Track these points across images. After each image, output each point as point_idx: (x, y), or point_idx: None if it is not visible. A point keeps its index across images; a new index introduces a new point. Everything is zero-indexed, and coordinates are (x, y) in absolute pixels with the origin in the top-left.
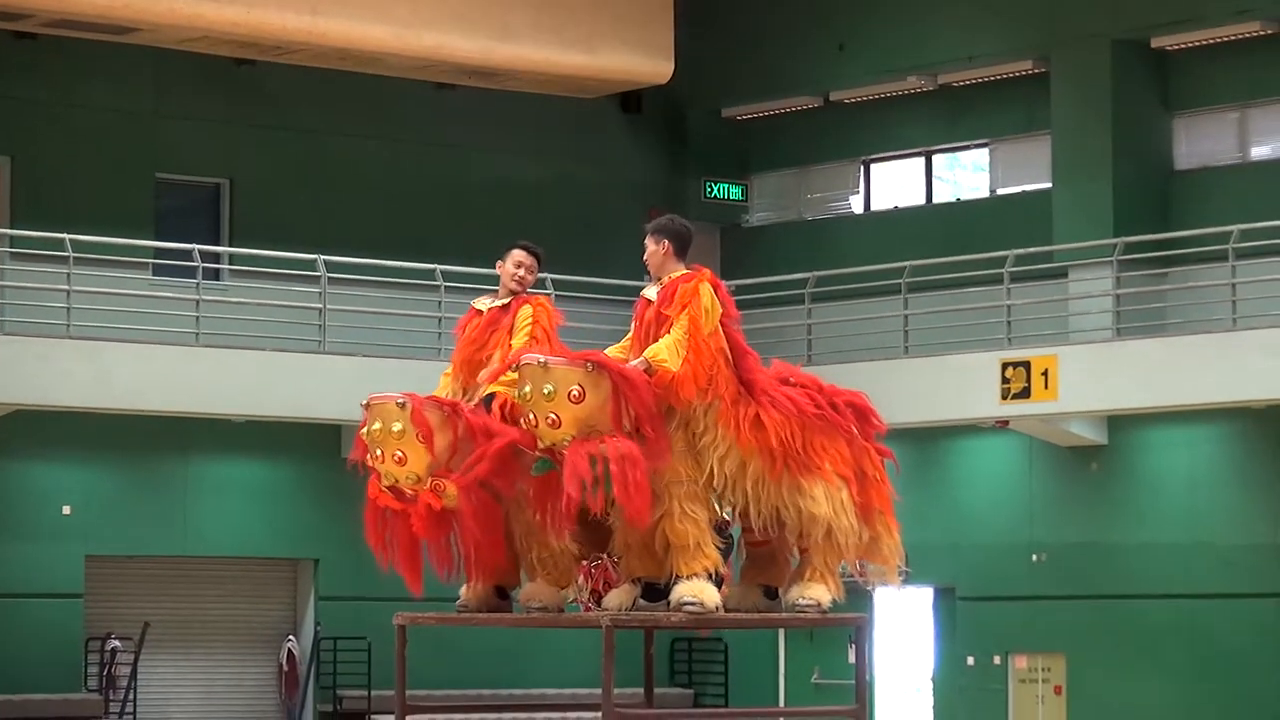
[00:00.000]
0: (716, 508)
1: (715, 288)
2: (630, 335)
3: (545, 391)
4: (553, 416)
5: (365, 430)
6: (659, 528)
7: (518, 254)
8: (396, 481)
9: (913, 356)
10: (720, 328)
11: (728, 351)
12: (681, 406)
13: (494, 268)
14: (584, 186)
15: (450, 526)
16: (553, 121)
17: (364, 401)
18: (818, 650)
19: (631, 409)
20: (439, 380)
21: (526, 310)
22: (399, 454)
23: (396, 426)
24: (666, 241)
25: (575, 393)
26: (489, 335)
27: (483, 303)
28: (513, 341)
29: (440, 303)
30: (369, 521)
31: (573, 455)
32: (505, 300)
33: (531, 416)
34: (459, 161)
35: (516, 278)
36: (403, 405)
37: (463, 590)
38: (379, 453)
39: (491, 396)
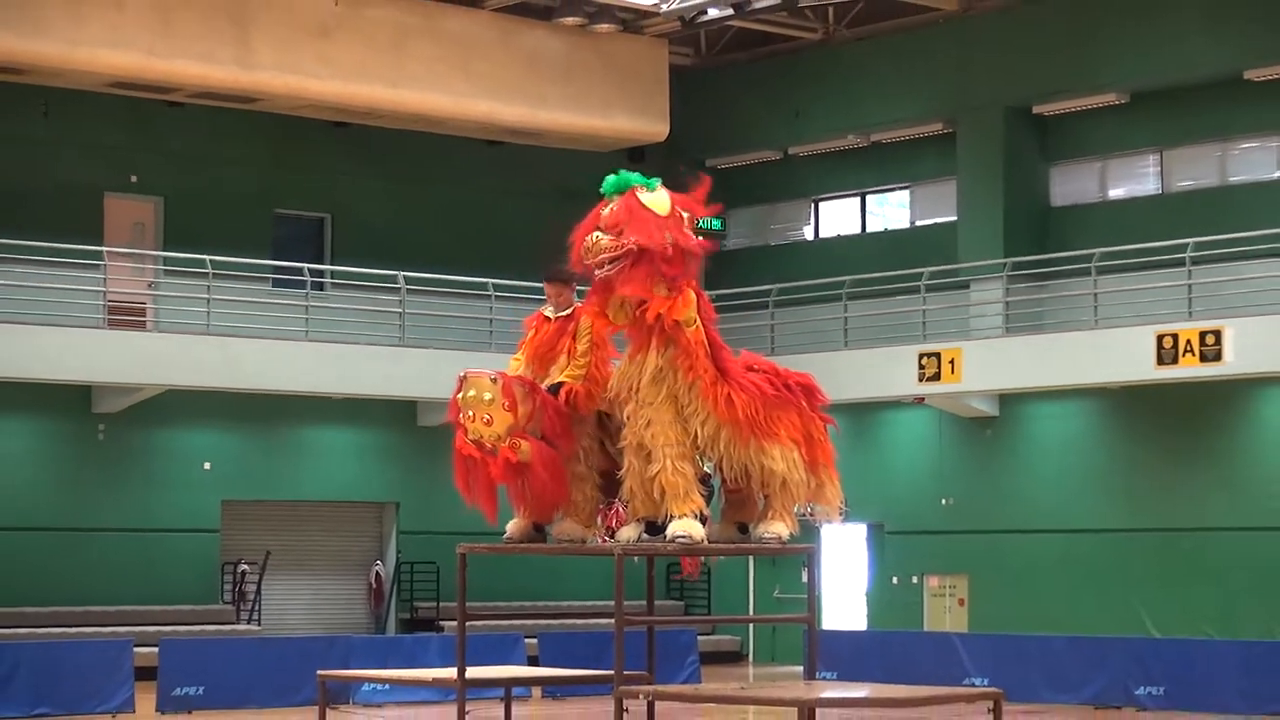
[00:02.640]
0: (700, 464)
1: (699, 296)
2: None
3: (487, 398)
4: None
5: (460, 395)
6: (655, 479)
7: (557, 284)
8: (481, 438)
9: (851, 349)
10: (702, 327)
11: (707, 345)
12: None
13: (531, 280)
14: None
15: (521, 475)
16: (575, 169)
17: (461, 374)
18: (779, 572)
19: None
20: (509, 364)
21: (586, 321)
22: (488, 417)
23: (488, 396)
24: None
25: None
26: (558, 340)
27: (549, 311)
28: (577, 346)
29: (491, 308)
30: (456, 467)
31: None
32: (568, 310)
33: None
34: (505, 199)
35: (562, 300)
36: (495, 380)
37: (509, 526)
38: (470, 414)
39: (559, 385)
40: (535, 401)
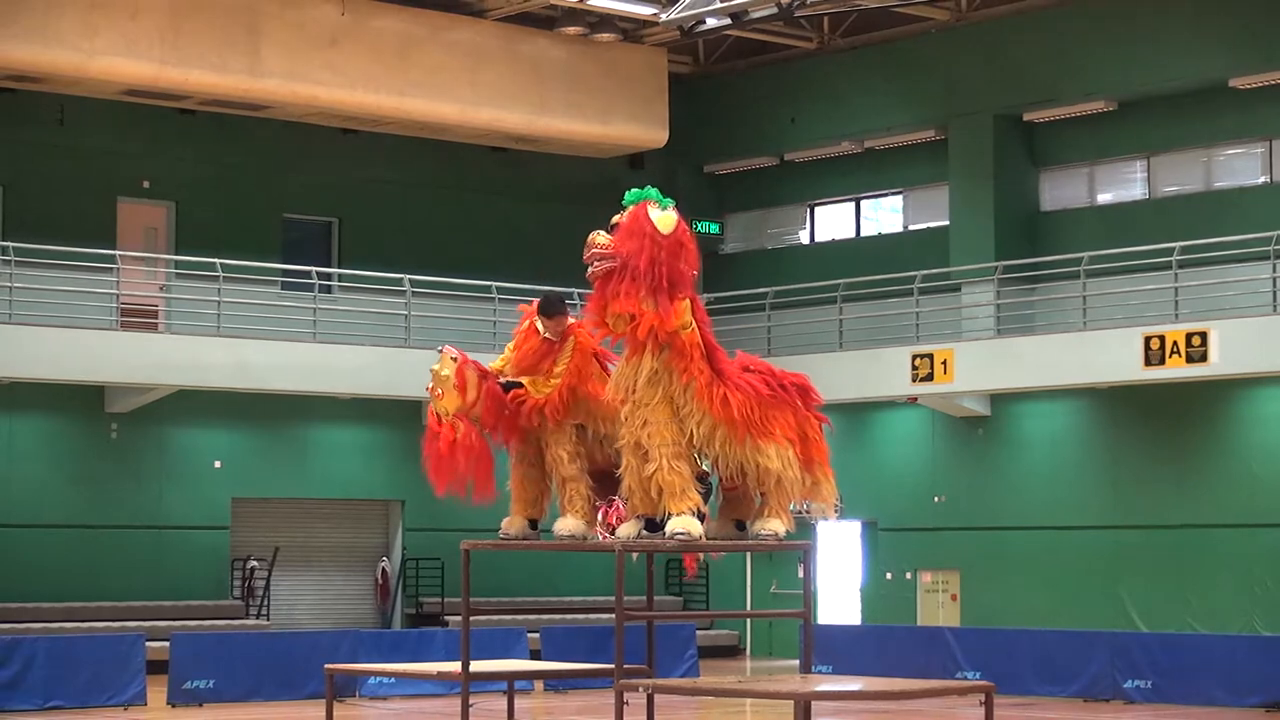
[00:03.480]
0: (697, 461)
1: (693, 301)
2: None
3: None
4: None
5: (431, 367)
6: (652, 478)
7: (557, 318)
8: (436, 411)
9: (846, 350)
10: (697, 330)
11: (703, 348)
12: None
13: (533, 283)
14: (599, 225)
15: (461, 455)
16: (576, 175)
17: (439, 348)
18: (776, 568)
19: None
20: (501, 357)
21: (572, 344)
22: (439, 392)
23: (445, 372)
24: None
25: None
26: (542, 360)
27: (542, 328)
28: (554, 368)
29: (495, 309)
30: (425, 437)
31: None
32: (555, 339)
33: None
34: (508, 205)
35: (559, 329)
36: (454, 360)
37: (504, 523)
38: (432, 387)
39: (513, 384)
40: (482, 390)
